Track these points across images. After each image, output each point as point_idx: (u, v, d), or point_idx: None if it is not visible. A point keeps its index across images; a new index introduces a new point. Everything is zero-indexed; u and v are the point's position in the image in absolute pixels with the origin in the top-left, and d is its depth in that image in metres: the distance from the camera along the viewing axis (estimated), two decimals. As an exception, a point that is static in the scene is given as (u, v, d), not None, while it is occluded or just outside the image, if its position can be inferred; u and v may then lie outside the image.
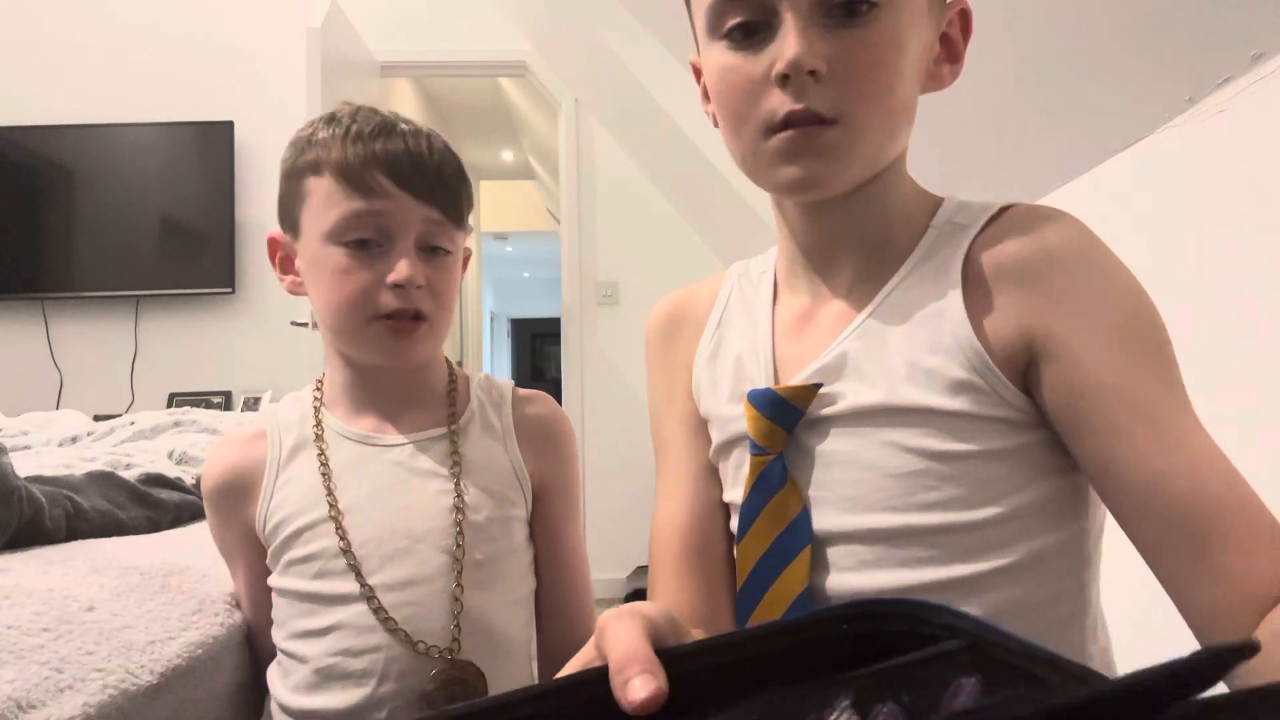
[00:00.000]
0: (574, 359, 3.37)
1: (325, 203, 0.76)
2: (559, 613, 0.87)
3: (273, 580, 0.79)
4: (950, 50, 0.62)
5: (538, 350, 11.85)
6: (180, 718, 0.73)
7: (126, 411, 3.06)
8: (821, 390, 0.59)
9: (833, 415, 0.59)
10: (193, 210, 3.13)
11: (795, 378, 0.61)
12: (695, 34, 0.63)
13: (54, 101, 3.18)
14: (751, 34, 0.56)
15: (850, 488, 0.58)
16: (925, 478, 0.55)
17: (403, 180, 0.75)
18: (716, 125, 0.64)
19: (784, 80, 0.54)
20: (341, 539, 0.76)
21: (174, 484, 1.18)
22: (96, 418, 1.99)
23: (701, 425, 0.70)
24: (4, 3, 3.22)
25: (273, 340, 3.11)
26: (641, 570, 3.27)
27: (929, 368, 0.56)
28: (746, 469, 0.62)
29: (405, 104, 4.43)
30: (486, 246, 7.64)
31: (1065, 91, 1.40)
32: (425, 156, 0.77)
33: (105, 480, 1.08)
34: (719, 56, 0.58)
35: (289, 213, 0.81)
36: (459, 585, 0.76)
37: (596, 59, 2.95)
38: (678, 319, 0.74)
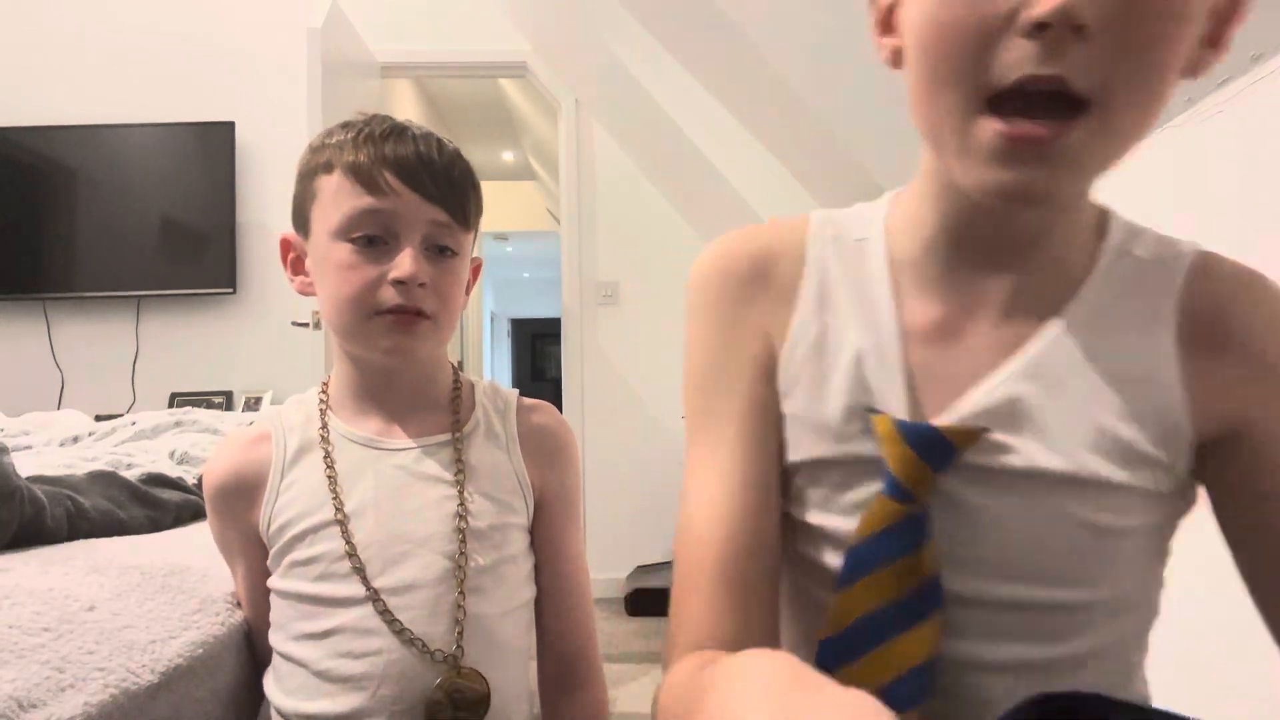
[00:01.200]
0: (574, 359, 3.37)
1: (334, 200, 0.77)
2: (559, 621, 0.87)
3: (273, 582, 0.79)
4: (1216, 33, 0.48)
5: (538, 350, 11.85)
6: (181, 717, 0.73)
7: (128, 411, 3.06)
8: (991, 435, 0.50)
9: (994, 469, 0.50)
10: (193, 210, 3.13)
11: (947, 412, 0.51)
12: None
13: (54, 101, 3.18)
14: None
15: (998, 551, 0.50)
16: (1086, 553, 0.49)
17: (410, 180, 0.76)
18: (893, 65, 0.49)
19: (1037, 30, 0.40)
20: (346, 542, 0.76)
21: (175, 484, 1.18)
22: (98, 418, 1.99)
23: (771, 410, 0.57)
24: (4, 3, 3.23)
25: (274, 340, 3.11)
26: (642, 570, 3.27)
27: (1121, 438, 0.48)
28: (860, 499, 0.53)
29: (405, 104, 4.43)
30: (486, 246, 7.64)
31: (1065, 91, 1.40)
32: (434, 158, 0.78)
33: (106, 480, 1.08)
34: None
35: (301, 212, 0.82)
36: (461, 592, 0.76)
37: (596, 59, 2.95)
38: (760, 274, 0.58)
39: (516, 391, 0.91)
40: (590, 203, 3.37)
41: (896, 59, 0.50)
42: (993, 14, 0.41)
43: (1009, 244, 0.52)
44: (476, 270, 0.89)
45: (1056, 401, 0.49)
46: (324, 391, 0.85)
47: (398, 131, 0.79)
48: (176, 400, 3.10)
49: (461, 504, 0.79)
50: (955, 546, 0.50)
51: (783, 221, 0.61)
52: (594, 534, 3.19)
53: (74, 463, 1.22)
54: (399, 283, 0.75)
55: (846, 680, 0.48)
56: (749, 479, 0.55)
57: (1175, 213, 1.22)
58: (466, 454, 0.82)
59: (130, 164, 3.12)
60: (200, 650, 0.76)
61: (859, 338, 0.54)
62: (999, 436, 0.50)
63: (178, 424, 1.59)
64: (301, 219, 0.82)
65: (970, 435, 0.49)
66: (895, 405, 0.52)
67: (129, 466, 1.24)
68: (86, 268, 3.10)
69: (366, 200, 0.76)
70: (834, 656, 0.51)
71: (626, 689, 2.36)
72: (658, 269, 3.32)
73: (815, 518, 0.55)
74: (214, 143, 3.13)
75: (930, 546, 0.50)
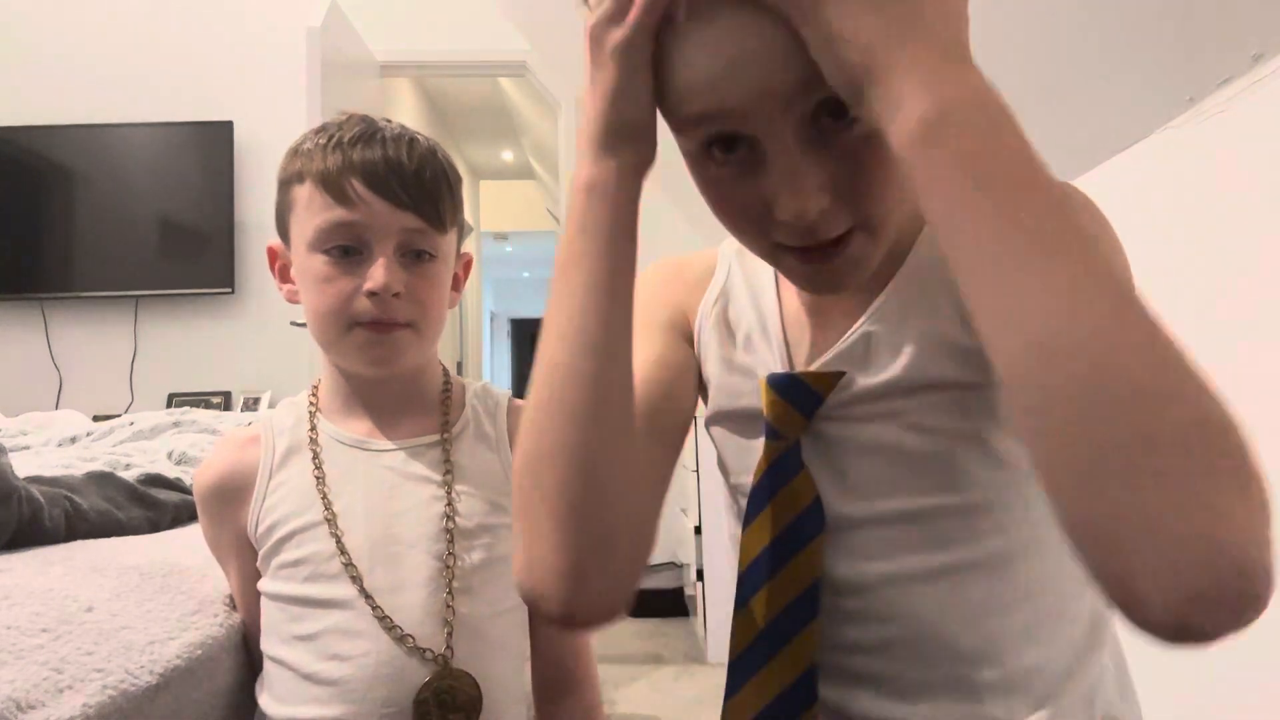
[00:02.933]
0: (574, 359, 3.36)
1: (307, 211, 0.77)
2: (548, 635, 0.87)
3: (262, 585, 0.79)
4: None
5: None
6: (180, 718, 0.73)
7: (126, 412, 3.05)
8: (846, 377, 0.57)
9: (851, 399, 0.57)
10: (192, 210, 3.13)
11: (815, 363, 0.59)
12: None
13: (54, 101, 3.18)
14: (732, 148, 0.48)
15: (871, 472, 0.56)
16: (952, 455, 0.54)
17: (378, 187, 0.75)
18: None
19: (787, 224, 0.48)
20: (336, 542, 0.76)
21: (173, 484, 1.18)
22: (96, 418, 1.99)
23: (683, 341, 0.67)
24: (3, 3, 3.22)
25: (272, 341, 3.11)
26: (645, 569, 3.26)
27: (952, 339, 0.54)
28: (756, 453, 0.60)
29: (405, 104, 4.43)
30: (486, 246, 7.64)
31: (1066, 92, 1.40)
32: (403, 162, 0.76)
33: (104, 480, 1.08)
34: (704, 165, 0.51)
35: (282, 221, 0.82)
36: (450, 593, 0.76)
37: (596, 59, 2.94)
38: (678, 273, 0.70)
39: (508, 392, 0.92)
40: (590, 203, 3.37)
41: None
42: (755, 203, 0.49)
43: None
44: (467, 266, 0.89)
45: (900, 330, 0.56)
46: (314, 394, 0.86)
47: (367, 135, 0.77)
48: (175, 400, 3.10)
49: (449, 504, 0.79)
50: (836, 476, 0.58)
51: (703, 251, 0.72)
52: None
53: (72, 463, 1.22)
54: (373, 294, 0.75)
55: (756, 610, 0.57)
56: (663, 360, 0.64)
57: (1176, 211, 1.22)
58: (455, 454, 0.82)
59: (129, 164, 3.12)
60: (199, 651, 0.76)
61: (747, 316, 0.65)
62: (851, 373, 0.57)
63: (176, 424, 1.59)
64: (283, 228, 0.82)
65: (827, 379, 0.57)
66: (775, 365, 0.62)
67: (127, 467, 1.23)
68: (84, 268, 3.10)
69: (337, 212, 0.75)
70: (748, 588, 0.59)
71: (626, 690, 2.35)
72: (657, 269, 3.32)
73: (734, 478, 0.65)
74: (213, 142, 3.13)
75: (803, 475, 0.58)
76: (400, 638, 0.74)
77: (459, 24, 3.35)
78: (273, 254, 0.84)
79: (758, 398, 0.61)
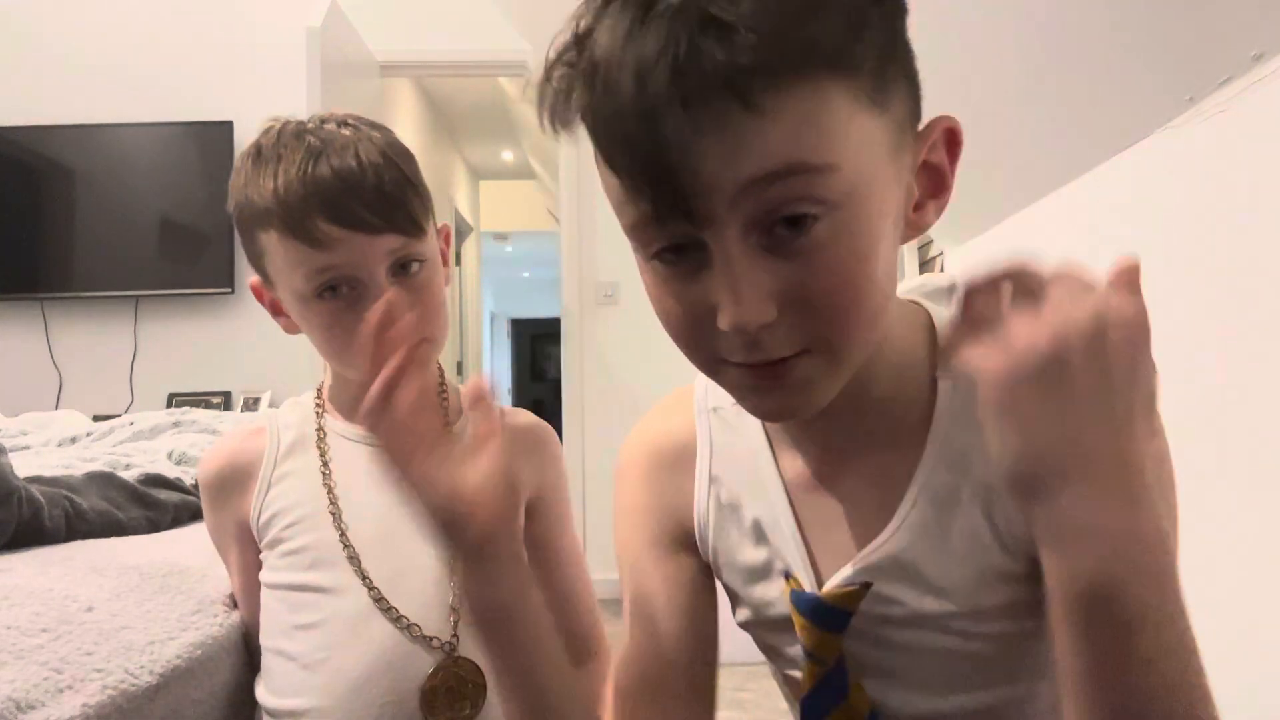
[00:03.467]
0: (574, 359, 3.37)
1: (284, 263, 0.73)
2: (564, 610, 0.88)
3: (264, 576, 0.80)
4: (935, 181, 0.49)
5: (538, 350, 11.85)
6: (179, 718, 0.73)
7: (126, 412, 3.05)
8: (874, 589, 0.53)
9: (884, 616, 0.53)
10: (192, 210, 3.13)
11: (837, 575, 0.54)
12: None
13: (54, 101, 3.18)
14: (683, 255, 0.45)
15: (917, 673, 0.54)
16: (1002, 657, 0.53)
17: (345, 220, 0.70)
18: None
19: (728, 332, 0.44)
20: (340, 531, 0.77)
21: (173, 484, 1.18)
22: (96, 418, 1.98)
23: (685, 552, 0.63)
24: (3, 3, 3.22)
25: (272, 341, 3.09)
26: None
27: (1001, 569, 0.51)
28: (797, 653, 0.57)
29: (405, 104, 4.43)
30: (486, 246, 7.64)
31: (1065, 92, 1.40)
32: (358, 179, 0.71)
33: (104, 481, 1.08)
34: (652, 278, 0.48)
35: (258, 265, 0.78)
36: (454, 590, 0.77)
37: (596, 59, 2.94)
38: (666, 456, 0.64)
39: (502, 405, 0.92)
40: (590, 203, 3.37)
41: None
42: (699, 311, 0.45)
43: (834, 405, 0.52)
44: (448, 238, 0.87)
45: (938, 554, 0.52)
46: (319, 395, 0.87)
47: (312, 154, 0.72)
48: (175, 400, 3.10)
49: None
50: (880, 673, 0.55)
51: (673, 401, 0.66)
52: (594, 534, 3.18)
53: (72, 463, 1.22)
54: None
55: None
56: (675, 598, 0.62)
57: (1176, 211, 1.22)
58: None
59: (128, 164, 3.12)
60: (199, 651, 0.76)
61: (754, 505, 0.59)
62: (887, 589, 0.53)
63: (176, 424, 1.59)
64: (261, 272, 0.79)
65: (854, 596, 0.53)
66: (796, 564, 0.57)
67: (127, 467, 1.23)
68: (84, 267, 3.10)
69: (317, 259, 0.71)
70: None
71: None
72: (657, 269, 3.32)
73: (778, 666, 0.62)
74: (212, 142, 3.12)
75: (856, 691, 0.55)
76: (406, 626, 0.74)
77: (459, 24, 3.34)
78: (258, 292, 0.82)
79: (784, 603, 0.57)
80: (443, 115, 5.33)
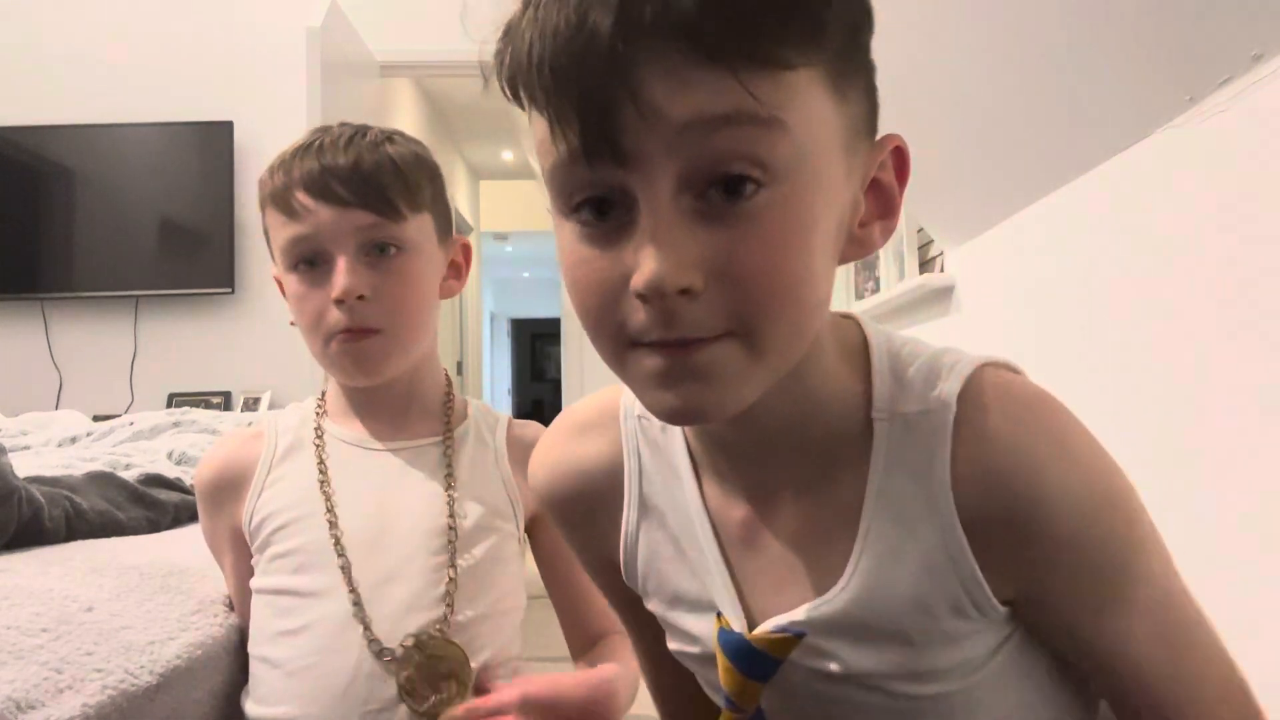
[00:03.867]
0: (574, 359, 3.37)
1: (274, 234, 0.79)
2: (579, 617, 0.90)
3: (254, 581, 0.80)
4: (883, 202, 0.47)
5: (538, 350, 11.85)
6: (179, 718, 0.73)
7: (126, 412, 3.05)
8: (809, 641, 0.50)
9: (825, 672, 0.50)
10: (192, 210, 3.12)
11: (770, 621, 0.51)
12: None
13: (54, 101, 3.17)
14: (605, 214, 0.41)
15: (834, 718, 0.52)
16: (934, 714, 0.51)
17: (318, 193, 0.75)
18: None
19: (644, 299, 0.39)
20: (331, 532, 0.77)
21: (173, 484, 1.18)
22: (96, 418, 1.98)
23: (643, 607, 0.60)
24: (4, 3, 3.22)
25: (272, 341, 3.10)
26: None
27: (933, 627, 0.48)
28: (719, 688, 0.55)
29: (405, 104, 4.43)
30: (486, 246, 7.64)
31: (1065, 91, 1.40)
32: (339, 163, 0.76)
33: (104, 481, 1.08)
34: (568, 240, 0.43)
35: (270, 250, 0.83)
36: (449, 592, 0.76)
37: (596, 59, 2.94)
38: (585, 494, 0.59)
39: (508, 415, 0.93)
40: (590, 203, 3.37)
41: None
42: (615, 276, 0.41)
43: (758, 434, 0.50)
44: (466, 250, 0.87)
45: (873, 607, 0.48)
46: (321, 400, 0.87)
47: (311, 144, 0.78)
48: (175, 400, 3.10)
49: (447, 504, 0.80)
50: (794, 715, 0.53)
51: (595, 412, 0.60)
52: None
53: (72, 463, 1.22)
54: (340, 302, 0.75)
55: None
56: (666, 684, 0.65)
57: (1176, 211, 1.22)
58: (457, 457, 0.83)
59: (128, 164, 3.12)
60: (199, 651, 0.76)
61: (682, 533, 0.55)
62: (822, 643, 0.49)
63: (176, 424, 1.59)
64: (273, 256, 0.83)
65: (786, 644, 0.50)
66: (724, 603, 0.53)
67: (127, 467, 1.23)
68: (84, 268, 3.10)
69: (291, 228, 0.76)
70: None
71: (626, 689, 2.33)
72: (657, 269, 3.31)
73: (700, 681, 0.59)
74: (212, 142, 3.12)
75: None
76: (371, 642, 0.73)
77: (459, 24, 3.34)
78: (280, 284, 0.85)
79: (710, 640, 0.54)
80: (443, 115, 5.32)
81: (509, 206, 7.34)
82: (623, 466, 0.57)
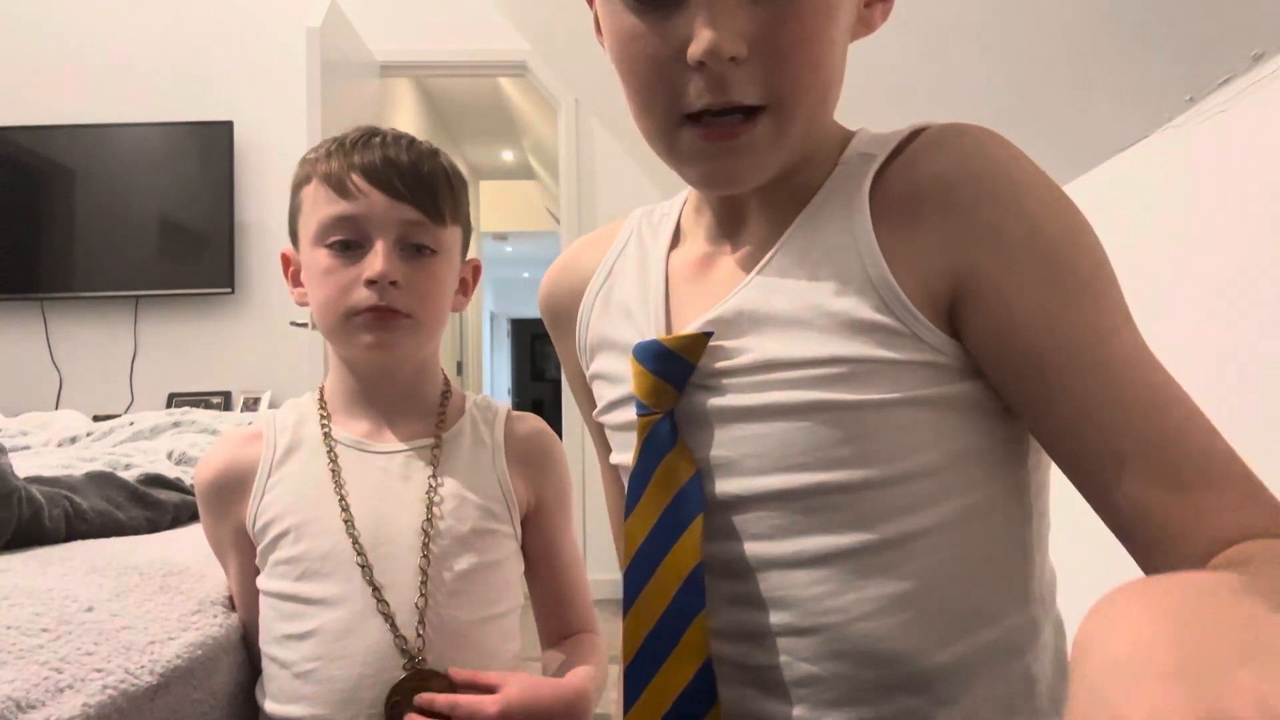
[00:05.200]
0: (574, 359, 3.36)
1: (312, 208, 0.80)
2: (560, 614, 0.91)
3: (260, 581, 0.80)
4: None
5: (538, 350, 11.85)
6: (179, 718, 0.73)
7: (126, 412, 3.05)
8: (715, 343, 0.53)
9: (728, 369, 0.53)
10: (192, 210, 3.13)
11: (687, 328, 0.55)
12: None
13: (54, 101, 3.18)
14: None
15: (753, 445, 0.52)
16: (836, 430, 0.50)
17: (377, 180, 0.78)
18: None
19: (700, 66, 0.47)
20: (352, 538, 0.77)
21: (173, 484, 1.18)
22: (96, 418, 1.99)
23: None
24: (4, 4, 3.22)
25: (272, 340, 3.11)
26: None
27: (834, 310, 0.50)
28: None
29: (405, 104, 4.43)
30: (486, 246, 7.64)
31: (1065, 92, 1.40)
32: (400, 159, 0.79)
33: (104, 481, 1.08)
34: (618, 14, 0.50)
35: (293, 224, 0.84)
36: (422, 596, 0.76)
37: (596, 59, 2.95)
38: (568, 278, 0.67)
39: (508, 405, 0.93)
40: (590, 202, 3.37)
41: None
42: (669, 50, 0.48)
43: (752, 191, 0.56)
44: (477, 272, 0.90)
45: (779, 299, 0.52)
46: (321, 397, 0.87)
47: (369, 137, 0.81)
48: (175, 400, 3.10)
49: (440, 505, 0.80)
50: (718, 452, 0.53)
51: (605, 228, 0.69)
52: (594, 534, 3.19)
53: (72, 463, 1.22)
54: (372, 282, 0.77)
55: (643, 608, 0.53)
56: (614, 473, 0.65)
57: (1176, 211, 1.22)
58: (452, 458, 0.83)
59: (128, 164, 3.12)
60: (199, 651, 0.76)
61: (630, 290, 0.62)
62: (727, 342, 0.53)
63: (176, 424, 1.59)
64: (293, 231, 0.84)
65: (693, 342, 0.53)
66: (651, 327, 0.58)
67: (127, 467, 1.23)
68: (84, 268, 3.10)
69: (339, 205, 0.78)
70: (635, 581, 0.55)
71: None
72: (657, 269, 3.31)
73: (615, 458, 0.62)
74: (212, 142, 3.12)
75: (679, 449, 0.54)
76: (396, 636, 0.74)
77: (459, 24, 3.34)
78: (285, 260, 0.86)
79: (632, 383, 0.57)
80: (443, 115, 5.33)
81: (509, 206, 7.34)
82: (612, 242, 0.65)
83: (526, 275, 10.40)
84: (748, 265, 0.56)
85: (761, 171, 0.51)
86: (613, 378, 0.61)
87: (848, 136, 0.57)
